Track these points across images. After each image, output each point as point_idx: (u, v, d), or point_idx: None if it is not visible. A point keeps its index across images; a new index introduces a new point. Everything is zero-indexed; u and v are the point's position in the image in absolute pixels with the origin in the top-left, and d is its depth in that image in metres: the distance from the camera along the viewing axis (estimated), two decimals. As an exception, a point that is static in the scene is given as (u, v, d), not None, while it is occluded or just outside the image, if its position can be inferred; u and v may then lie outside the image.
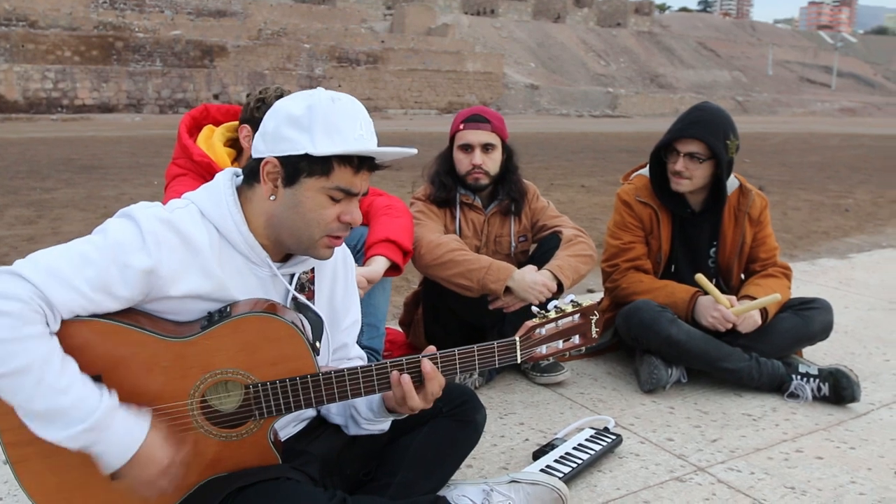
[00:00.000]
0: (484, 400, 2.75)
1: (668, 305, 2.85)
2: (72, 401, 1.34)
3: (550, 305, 1.76)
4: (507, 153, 2.92)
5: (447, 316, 2.92)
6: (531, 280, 2.63)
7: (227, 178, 1.60)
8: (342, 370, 1.57)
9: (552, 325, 1.72)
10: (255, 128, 2.49)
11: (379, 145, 1.55)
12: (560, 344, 1.75)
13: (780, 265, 3.11)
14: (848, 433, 2.54)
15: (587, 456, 2.17)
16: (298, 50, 38.91)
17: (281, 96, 2.44)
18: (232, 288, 1.53)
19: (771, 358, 2.84)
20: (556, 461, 2.13)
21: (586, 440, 2.27)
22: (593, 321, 1.78)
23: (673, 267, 3.02)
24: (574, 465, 2.11)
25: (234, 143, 2.67)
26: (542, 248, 2.89)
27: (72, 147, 15.23)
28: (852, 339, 3.55)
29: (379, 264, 2.50)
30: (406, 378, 1.59)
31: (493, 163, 2.87)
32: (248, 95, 2.58)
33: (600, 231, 5.53)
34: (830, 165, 14.54)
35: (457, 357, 1.66)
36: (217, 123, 2.79)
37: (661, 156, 2.91)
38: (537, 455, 2.22)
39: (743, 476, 2.21)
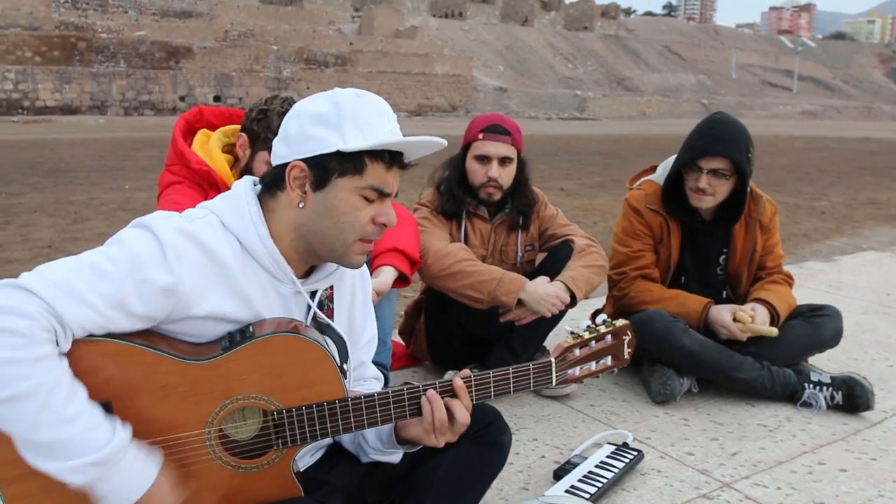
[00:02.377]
0: (494, 415, 2.68)
1: (679, 315, 2.78)
2: (80, 432, 1.21)
3: (583, 325, 1.67)
4: (521, 165, 2.82)
5: (452, 327, 2.82)
6: (544, 292, 2.54)
7: (248, 186, 1.48)
8: (372, 395, 1.46)
9: (586, 346, 1.63)
10: (252, 139, 2.36)
11: None
12: (593, 365, 1.65)
13: (785, 273, 3.07)
14: (866, 443, 2.49)
15: (611, 474, 2.09)
16: (266, 51, 38.55)
17: (287, 108, 2.32)
18: (258, 306, 1.42)
19: (781, 366, 2.80)
20: (580, 481, 2.04)
21: (608, 457, 2.18)
22: (626, 342, 1.69)
23: (683, 277, 2.95)
24: (600, 485, 2.02)
25: (232, 149, 2.53)
26: (553, 258, 2.79)
27: (36, 150, 14.81)
28: (853, 345, 3.53)
29: (387, 275, 2.38)
30: (438, 400, 1.48)
31: (508, 176, 2.77)
32: (250, 110, 2.43)
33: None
34: (800, 168, 14.74)
35: (491, 379, 1.55)
36: (211, 127, 2.64)
37: (679, 170, 2.83)
38: (559, 474, 2.13)
39: (770, 492, 2.14)
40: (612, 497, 2.07)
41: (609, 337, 1.66)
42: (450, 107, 42.93)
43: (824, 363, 3.17)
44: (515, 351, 2.75)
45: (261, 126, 2.32)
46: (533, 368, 1.58)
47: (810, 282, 4.93)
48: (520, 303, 2.55)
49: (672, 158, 2.93)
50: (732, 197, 2.84)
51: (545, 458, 2.32)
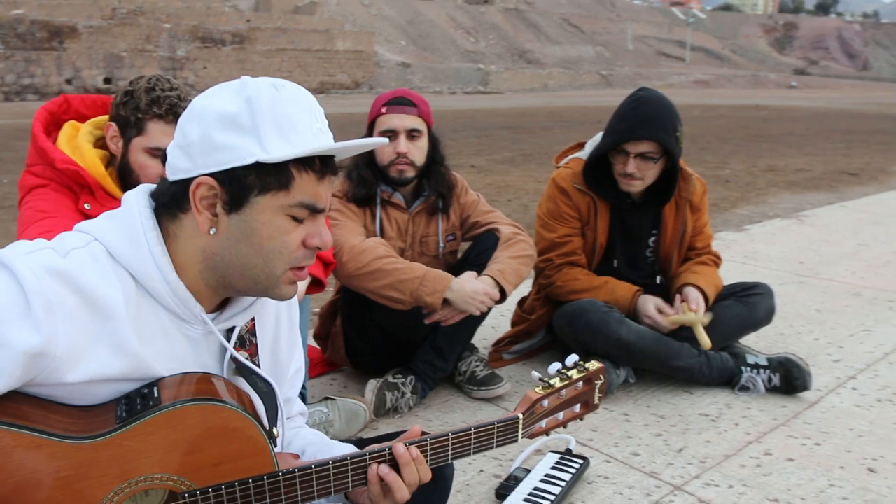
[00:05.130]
0: (421, 423, 2.46)
1: (609, 304, 2.64)
2: None
3: (553, 370, 1.45)
4: (433, 142, 2.59)
5: (371, 329, 2.57)
6: (472, 290, 2.32)
7: (143, 202, 1.15)
8: (308, 467, 1.18)
9: (556, 394, 1.42)
10: (122, 126, 2.02)
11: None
12: (561, 415, 1.45)
13: (713, 254, 2.97)
14: (807, 426, 2.42)
15: (559, 489, 1.91)
16: (158, 30, 36.63)
17: (155, 85, 1.99)
18: (154, 361, 1.11)
19: (717, 348, 2.70)
20: (526, 500, 1.85)
21: (552, 468, 2.01)
22: (597, 387, 1.49)
23: (615, 261, 2.80)
24: (548, 503, 1.84)
25: (106, 143, 2.17)
26: (477, 249, 2.58)
27: None
28: (778, 318, 3.43)
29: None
30: (391, 474, 1.23)
31: (419, 151, 2.53)
32: (130, 83, 2.09)
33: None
34: (701, 136, 15.10)
35: (450, 442, 1.30)
36: (81, 118, 2.26)
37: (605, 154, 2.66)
38: (501, 493, 1.93)
39: (722, 491, 2.02)
40: (561, 514, 1.89)
41: (580, 383, 1.45)
42: (353, 83, 42.10)
43: (753, 340, 3.10)
44: (442, 352, 2.54)
45: (128, 109, 1.98)
46: (497, 427, 1.34)
47: (726, 253, 4.91)
48: (445, 302, 2.32)
49: (600, 135, 2.76)
50: (662, 176, 2.70)
51: (483, 472, 2.12)
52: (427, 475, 1.26)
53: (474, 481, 2.06)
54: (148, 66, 33.20)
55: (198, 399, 1.10)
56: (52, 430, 1.03)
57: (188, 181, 1.11)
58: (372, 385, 2.49)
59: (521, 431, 1.35)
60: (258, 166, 1.08)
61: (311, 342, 2.90)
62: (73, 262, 1.05)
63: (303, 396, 2.27)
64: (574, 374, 1.43)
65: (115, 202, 1.96)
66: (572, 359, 1.45)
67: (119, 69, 32.89)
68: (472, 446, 1.31)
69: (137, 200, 1.15)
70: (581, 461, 2.06)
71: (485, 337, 3.12)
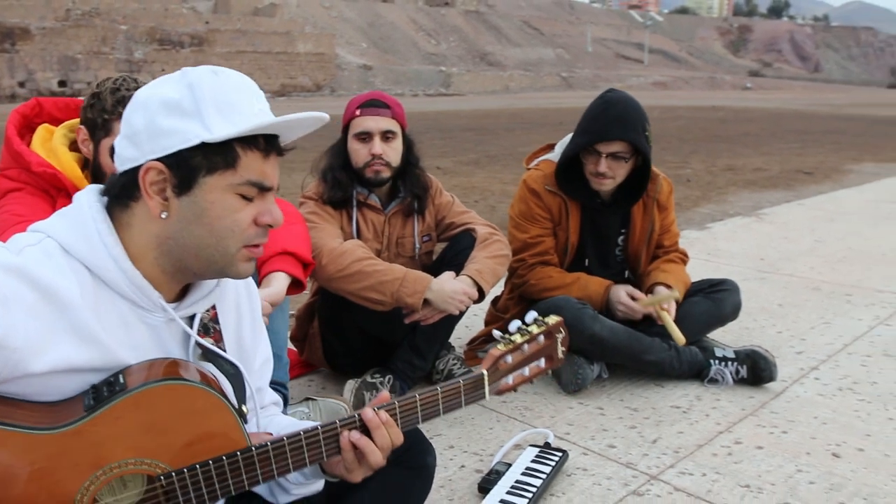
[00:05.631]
0: (401, 421, 2.50)
1: (581, 299, 2.70)
2: None
3: (513, 327, 1.52)
4: (408, 144, 2.63)
5: (350, 330, 2.60)
6: (451, 289, 2.37)
7: (93, 198, 1.19)
8: (280, 439, 1.23)
9: (518, 350, 1.48)
10: (91, 129, 2.02)
11: None
12: (526, 371, 1.52)
13: (681, 251, 3.06)
14: (774, 416, 2.51)
15: (539, 481, 1.96)
16: (115, 32, 36.00)
17: (121, 86, 2.00)
18: (117, 349, 1.14)
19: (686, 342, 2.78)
20: (508, 493, 1.90)
21: (533, 461, 2.06)
22: (559, 339, 1.57)
23: (586, 260, 2.87)
24: (530, 495, 1.89)
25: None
26: (454, 249, 2.62)
27: None
28: (742, 313, 3.55)
29: (280, 283, 2.13)
30: (362, 438, 1.28)
31: (394, 153, 2.56)
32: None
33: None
34: (661, 137, 15.36)
35: (418, 403, 1.36)
36: (54, 121, 2.26)
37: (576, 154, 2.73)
38: (484, 486, 1.97)
39: (696, 479, 2.09)
40: (543, 505, 1.95)
41: (542, 337, 1.52)
42: (314, 86, 41.91)
43: (720, 335, 3.19)
44: (420, 351, 2.58)
45: (95, 111, 1.99)
46: (464, 384, 1.42)
47: (690, 250, 4.96)
48: (426, 302, 2.36)
49: (569, 136, 2.83)
50: (631, 176, 2.77)
51: (465, 467, 2.16)
52: (399, 438, 1.31)
53: (456, 476, 2.10)
54: (104, 69, 32.63)
55: (165, 379, 1.13)
56: (21, 423, 1.05)
57: (137, 169, 1.14)
58: (350, 385, 2.51)
59: (487, 388, 1.42)
60: (204, 147, 1.13)
61: (289, 344, 2.91)
62: (26, 258, 1.09)
63: (284, 397, 2.30)
64: (534, 328, 1.49)
65: None
66: (532, 315, 1.52)
67: (74, 71, 32.29)
68: (440, 406, 1.37)
69: (86, 197, 1.20)
70: (560, 454, 2.11)
71: (459, 336, 3.16)
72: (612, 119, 2.62)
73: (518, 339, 1.48)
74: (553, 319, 1.55)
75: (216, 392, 1.18)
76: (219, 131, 1.12)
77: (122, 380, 1.12)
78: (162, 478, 1.14)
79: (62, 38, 33.99)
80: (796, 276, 4.34)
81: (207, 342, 1.29)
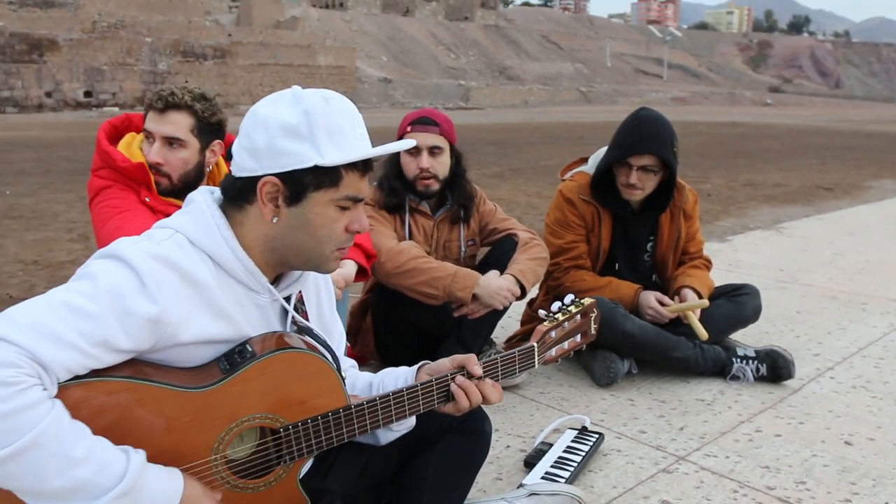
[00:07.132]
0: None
1: (613, 301, 2.93)
2: (94, 469, 1.17)
3: (555, 307, 1.76)
4: (456, 157, 2.88)
5: (402, 324, 2.84)
6: (497, 286, 2.61)
7: (209, 199, 1.44)
8: (374, 399, 1.48)
9: (560, 327, 1.73)
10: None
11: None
12: (566, 345, 1.76)
13: (705, 258, 3.28)
14: (792, 409, 2.72)
15: (579, 457, 2.19)
16: (139, 44, 36.74)
17: (168, 98, 2.29)
18: (240, 322, 1.40)
19: (710, 342, 2.99)
20: (552, 466, 2.13)
21: (573, 441, 2.29)
22: (592, 318, 1.81)
23: (616, 264, 3.10)
24: (572, 468, 2.12)
25: None
26: (497, 252, 2.87)
27: None
28: (762, 319, 3.78)
29: (350, 267, 2.44)
30: (471, 385, 1.55)
31: (441, 166, 2.82)
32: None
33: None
34: (682, 152, 15.34)
35: (499, 364, 1.62)
36: (140, 132, 2.57)
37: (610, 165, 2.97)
38: (530, 462, 2.21)
39: (720, 461, 2.31)
40: (583, 479, 2.17)
41: (578, 316, 1.76)
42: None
43: (741, 338, 3.41)
44: (466, 344, 2.81)
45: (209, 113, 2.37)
46: (518, 354, 1.66)
47: (712, 261, 5.26)
48: (474, 297, 2.61)
49: (602, 150, 3.07)
50: (659, 187, 3.00)
51: (510, 447, 2.39)
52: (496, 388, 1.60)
53: (503, 455, 2.34)
54: (129, 80, 33.31)
55: (285, 349, 1.38)
56: (173, 383, 1.30)
57: (254, 178, 1.37)
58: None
59: (536, 358, 1.67)
60: (315, 168, 1.35)
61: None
62: (166, 248, 1.32)
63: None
64: (573, 308, 1.75)
65: (160, 197, 2.34)
66: (570, 297, 1.78)
67: (100, 82, 32.97)
68: (499, 372, 1.63)
69: (203, 197, 1.44)
70: (597, 436, 2.34)
71: (496, 336, 3.39)
72: (644, 135, 2.87)
73: (560, 317, 1.73)
74: (588, 300, 1.79)
75: (325, 360, 1.43)
76: (330, 157, 1.34)
77: (249, 349, 1.38)
78: (281, 430, 1.39)
79: (88, 50, 34.75)
80: (814, 286, 4.53)
81: (302, 320, 1.54)
